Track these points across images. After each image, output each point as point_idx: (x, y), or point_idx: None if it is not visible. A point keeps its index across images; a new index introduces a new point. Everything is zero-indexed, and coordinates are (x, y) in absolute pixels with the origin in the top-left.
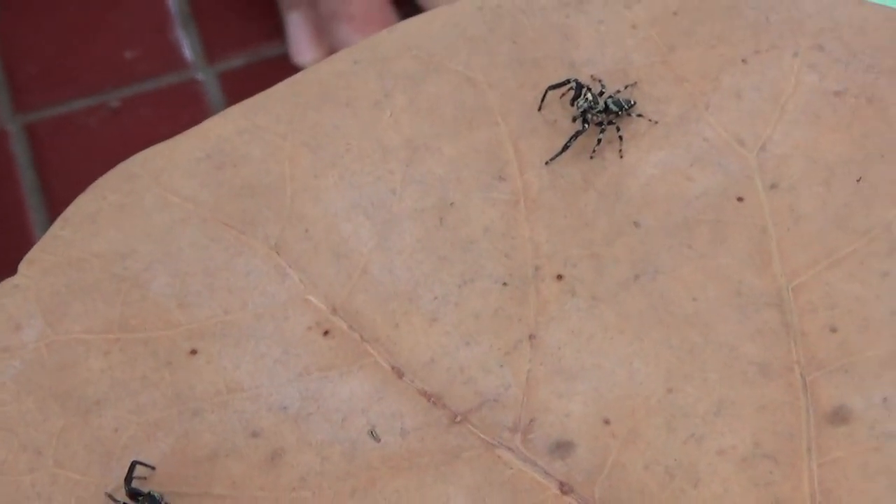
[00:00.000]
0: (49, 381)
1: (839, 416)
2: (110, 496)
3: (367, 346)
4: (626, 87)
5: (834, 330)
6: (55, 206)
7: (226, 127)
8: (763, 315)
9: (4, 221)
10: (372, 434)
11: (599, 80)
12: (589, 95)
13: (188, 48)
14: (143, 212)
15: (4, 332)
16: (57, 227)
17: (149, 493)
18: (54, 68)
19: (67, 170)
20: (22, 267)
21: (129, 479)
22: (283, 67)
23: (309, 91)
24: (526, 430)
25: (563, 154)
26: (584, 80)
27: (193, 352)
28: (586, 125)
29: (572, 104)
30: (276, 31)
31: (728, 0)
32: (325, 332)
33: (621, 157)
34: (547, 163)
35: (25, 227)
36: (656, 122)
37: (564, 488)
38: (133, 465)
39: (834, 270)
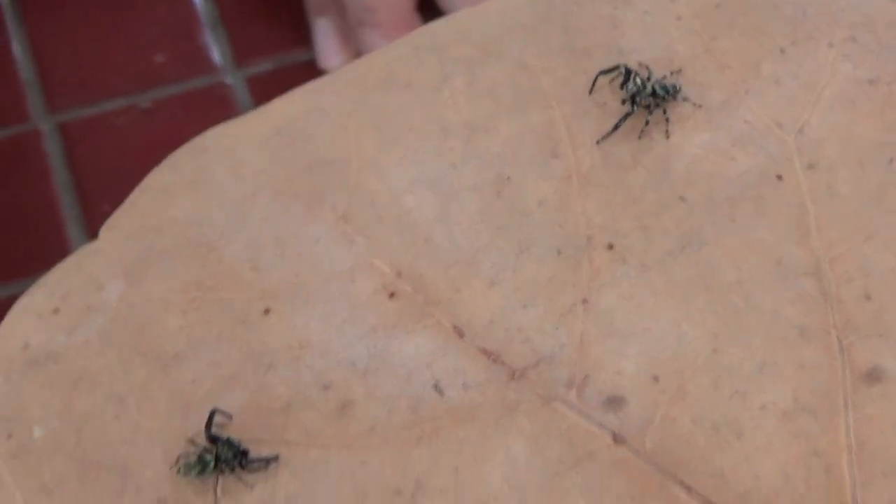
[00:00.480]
0: (130, 337)
1: (873, 376)
2: (192, 441)
3: (431, 307)
4: (671, 74)
5: (869, 298)
6: (87, 203)
7: (294, 106)
8: (802, 283)
9: (39, 218)
10: (436, 388)
11: (647, 67)
12: (638, 80)
13: (217, 52)
14: (216, 183)
15: (88, 291)
16: (135, 196)
17: (227, 438)
18: (86, 70)
19: (99, 168)
20: (102, 232)
21: (208, 425)
22: (310, 72)
23: (372, 74)
24: (580, 386)
25: (614, 134)
26: (632, 66)
27: (267, 311)
28: (635, 107)
29: (622, 88)
30: (304, 36)
31: None
32: (391, 295)
33: (668, 137)
34: (598, 142)
35: (59, 223)
36: (700, 106)
37: (617, 439)
38: (212, 412)
39: (869, 243)
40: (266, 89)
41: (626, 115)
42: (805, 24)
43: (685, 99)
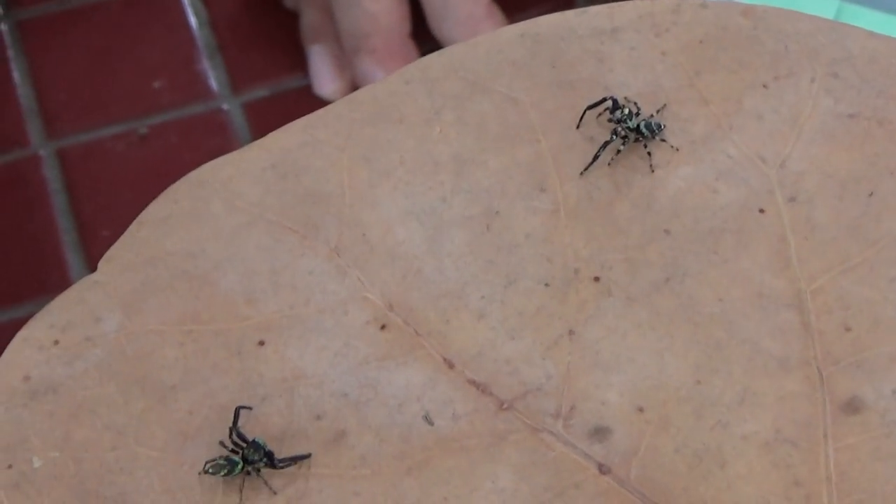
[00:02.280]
0: (128, 368)
1: (853, 406)
2: (222, 444)
3: (421, 339)
4: (658, 112)
5: (848, 329)
6: (86, 228)
7: (289, 140)
8: (783, 315)
9: (38, 243)
10: (426, 418)
11: (635, 103)
12: (626, 110)
13: (214, 79)
14: (212, 216)
15: (86, 323)
16: (133, 228)
17: (254, 440)
18: (84, 96)
19: (97, 193)
20: (101, 265)
21: (235, 423)
22: (306, 98)
23: (365, 108)
24: (567, 417)
25: (595, 164)
26: (620, 100)
27: (261, 343)
28: (615, 136)
29: (610, 117)
30: (299, 63)
31: (749, 31)
32: (383, 327)
33: (652, 171)
34: (581, 173)
35: (57, 248)
36: (678, 150)
37: (603, 469)
38: (237, 410)
39: (848, 275)
40: (262, 115)
41: (606, 144)
42: (787, 59)
43: (663, 140)
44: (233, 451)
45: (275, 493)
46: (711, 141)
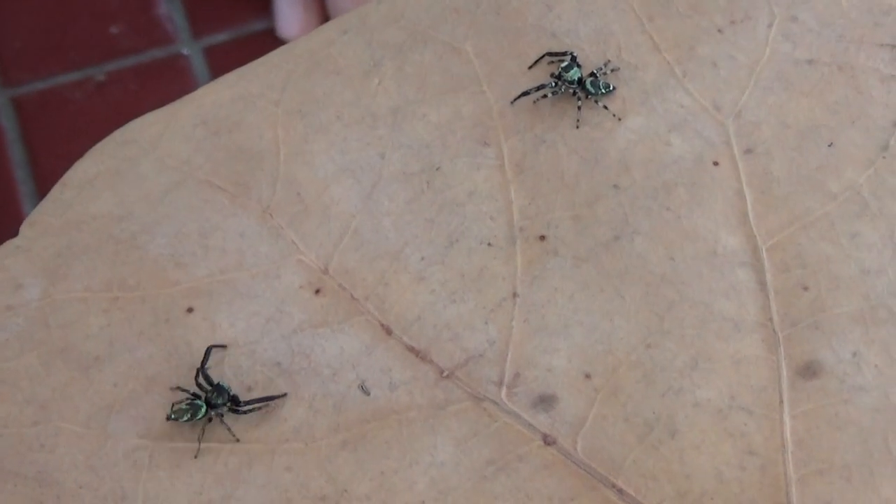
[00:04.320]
0: (51, 338)
1: (811, 370)
2: (179, 388)
3: (357, 304)
4: (611, 71)
5: (806, 288)
6: (42, 179)
7: (220, 94)
8: (738, 273)
9: None
10: (362, 388)
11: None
12: (577, 72)
13: (173, 23)
14: (140, 176)
15: (7, 290)
16: (56, 191)
17: (217, 383)
18: (41, 44)
19: (54, 143)
20: (23, 229)
21: (203, 364)
22: (268, 42)
23: (300, 60)
24: (511, 385)
25: (521, 98)
26: (567, 48)
27: (190, 310)
28: (560, 88)
29: (565, 72)
30: (261, 5)
31: None
32: (317, 291)
33: (619, 120)
34: (512, 102)
35: (14, 198)
36: (619, 120)
37: (548, 440)
38: (209, 349)
39: (807, 231)
40: (223, 59)
41: (541, 86)
42: (743, 2)
43: (605, 107)
44: (195, 395)
45: (237, 440)
46: (664, 90)
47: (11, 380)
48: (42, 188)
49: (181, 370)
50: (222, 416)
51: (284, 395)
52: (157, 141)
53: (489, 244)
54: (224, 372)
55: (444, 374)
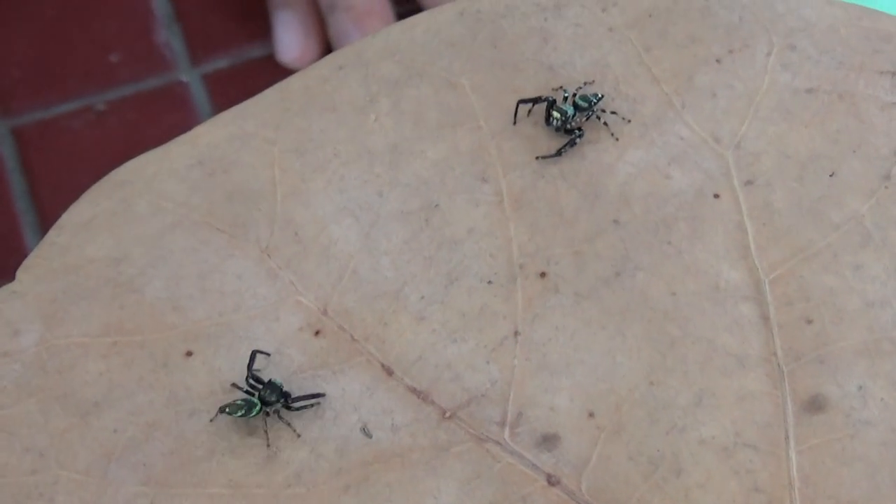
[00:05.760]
0: (49, 385)
1: (816, 405)
2: (235, 385)
3: (357, 345)
4: (585, 84)
5: (810, 321)
6: (43, 210)
7: (215, 133)
8: (741, 308)
9: None
10: (364, 430)
11: (563, 88)
12: (557, 113)
13: (172, 50)
14: (136, 217)
15: (3, 337)
16: (52, 234)
17: (270, 380)
18: (39, 73)
19: (55, 173)
20: (19, 274)
21: (250, 366)
22: (268, 68)
23: (296, 97)
24: (513, 425)
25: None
26: (564, 80)
27: (189, 353)
28: (576, 132)
29: (547, 123)
30: (261, 31)
31: (701, 1)
32: (317, 332)
33: (617, 140)
34: (538, 158)
35: (16, 229)
36: (629, 121)
37: (552, 480)
38: (253, 354)
39: (809, 263)
40: (224, 86)
41: (572, 141)
42: (741, 31)
43: (613, 112)
44: (248, 392)
45: (298, 435)
46: (662, 122)
47: (9, 427)
48: (44, 219)
49: (181, 416)
50: (279, 412)
51: (323, 394)
52: (152, 182)
53: (489, 282)
54: (224, 417)
55: (447, 414)
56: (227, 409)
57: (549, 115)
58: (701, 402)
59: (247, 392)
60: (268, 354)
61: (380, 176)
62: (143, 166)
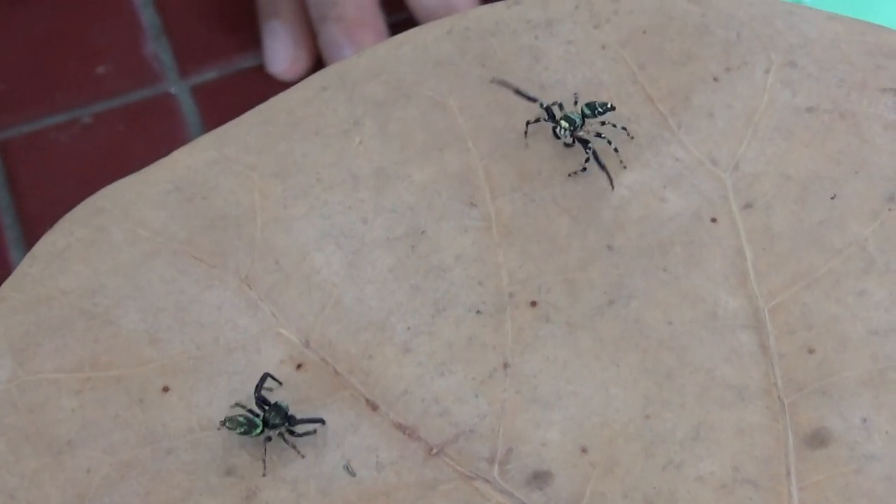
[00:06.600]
0: (20, 422)
1: (819, 439)
2: (238, 404)
3: (341, 378)
4: (576, 96)
5: (812, 351)
6: (29, 224)
7: (195, 158)
8: (740, 337)
9: None
10: (347, 468)
11: (560, 105)
12: (565, 122)
13: (160, 62)
14: (112, 246)
15: None
16: (25, 264)
17: (276, 402)
18: (26, 86)
19: (41, 187)
20: None
21: (259, 388)
22: (257, 79)
23: (278, 119)
24: (503, 461)
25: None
26: (556, 99)
27: (166, 389)
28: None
29: (555, 134)
30: (250, 42)
31: (697, 18)
32: (298, 366)
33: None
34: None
35: (0, 244)
36: (632, 137)
37: None
38: (264, 376)
39: (811, 290)
40: (212, 98)
41: (594, 154)
42: (739, 48)
43: (623, 127)
44: (253, 412)
45: (303, 456)
46: (657, 143)
47: None
48: (29, 233)
49: (157, 454)
50: (283, 435)
51: (323, 420)
52: (129, 209)
53: (478, 312)
54: (202, 456)
55: (433, 451)
56: (227, 423)
57: (556, 127)
58: (699, 436)
59: (249, 411)
60: (280, 383)
61: (364, 201)
62: (121, 192)
